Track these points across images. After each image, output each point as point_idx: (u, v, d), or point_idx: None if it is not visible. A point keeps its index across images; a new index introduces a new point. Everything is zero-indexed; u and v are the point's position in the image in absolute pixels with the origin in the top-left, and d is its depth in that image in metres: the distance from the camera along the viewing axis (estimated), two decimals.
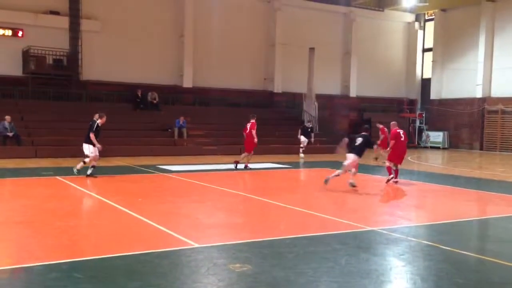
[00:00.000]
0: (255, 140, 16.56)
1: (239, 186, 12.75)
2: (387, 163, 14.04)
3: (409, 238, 7.53)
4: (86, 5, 24.53)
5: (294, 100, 29.72)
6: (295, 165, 19.43)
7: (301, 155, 21.67)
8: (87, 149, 13.46)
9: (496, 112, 29.75)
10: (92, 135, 13.28)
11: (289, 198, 11.19)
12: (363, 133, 12.46)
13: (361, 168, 18.50)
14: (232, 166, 16.94)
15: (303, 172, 16.67)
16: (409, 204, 11.38)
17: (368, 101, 32.68)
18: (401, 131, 14.09)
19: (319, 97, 30.17)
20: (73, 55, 24.12)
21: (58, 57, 23.82)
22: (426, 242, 7.39)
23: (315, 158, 21.50)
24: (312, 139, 22.78)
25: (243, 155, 17.01)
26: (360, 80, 32.47)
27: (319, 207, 10.18)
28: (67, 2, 24.15)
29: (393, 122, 15.39)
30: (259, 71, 29.69)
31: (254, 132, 16.59)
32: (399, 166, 14.12)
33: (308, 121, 23.86)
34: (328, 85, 31.67)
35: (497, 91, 30.18)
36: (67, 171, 14.40)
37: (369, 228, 8.04)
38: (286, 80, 29.78)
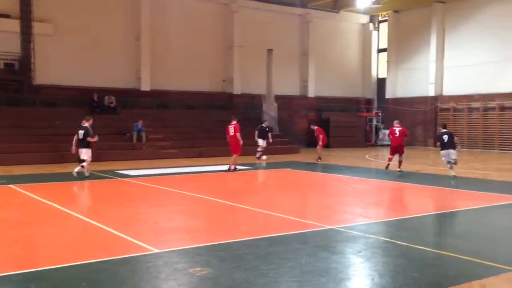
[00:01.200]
0: (241, 142, 16.81)
1: (200, 189, 12.66)
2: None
3: (367, 235, 7.67)
4: (38, 7, 23.84)
5: (253, 102, 29.79)
6: (256, 166, 19.47)
7: (263, 157, 21.35)
8: (85, 153, 14.36)
9: (448, 109, 30.72)
10: (90, 138, 14.35)
11: (249, 200, 11.22)
12: None
13: (322, 168, 18.80)
14: (195, 169, 16.84)
15: (263, 173, 16.74)
16: (367, 201, 11.58)
17: (326, 101, 33.15)
18: (396, 129, 16.80)
19: (278, 98, 30.37)
20: (25, 59, 23.38)
21: (9, 62, 23.03)
22: (383, 239, 7.54)
23: (276, 159, 21.63)
24: (270, 140, 22.08)
25: (233, 157, 17.08)
26: (318, 81, 32.89)
27: (279, 207, 10.23)
28: (18, 5, 23.41)
29: (396, 120, 17.86)
30: (218, 73, 29.63)
31: (238, 135, 16.76)
32: (402, 157, 16.79)
33: (264, 122, 23.36)
34: (287, 86, 31.93)
35: (448, 90, 31.18)
36: (20, 179, 13.92)
37: (328, 227, 8.14)
38: (245, 81, 29.83)
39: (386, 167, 17.07)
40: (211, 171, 17.36)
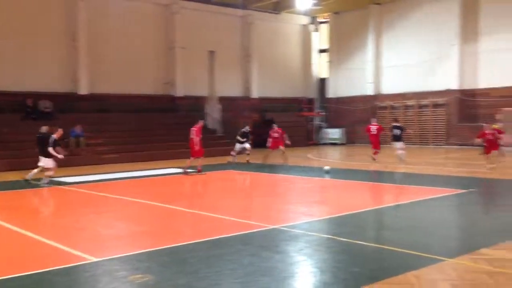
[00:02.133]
0: (197, 146, 16.65)
1: (141, 194, 12.43)
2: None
3: (309, 233, 7.80)
4: None
5: (197, 104, 29.60)
6: (203, 168, 19.27)
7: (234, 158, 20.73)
8: (46, 162, 14.13)
9: (385, 107, 31.78)
10: (51, 150, 13.91)
11: (193, 203, 11.14)
12: None
13: (266, 168, 18.93)
14: (134, 174, 16.51)
15: (207, 176, 16.64)
16: (310, 200, 11.78)
17: (269, 102, 33.43)
18: (373, 127, 19.61)
19: (221, 99, 30.37)
20: None
21: None
22: (325, 236, 7.70)
23: (221, 160, 21.57)
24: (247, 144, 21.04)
25: (199, 160, 16.92)
26: (261, 81, 33.13)
27: (223, 209, 10.22)
28: None
29: (373, 119, 20.85)
30: (160, 75, 29.19)
31: (197, 139, 16.64)
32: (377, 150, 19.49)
33: (245, 125, 22.26)
34: (230, 87, 31.96)
35: (386, 88, 32.26)
36: None
37: (271, 227, 8.21)
38: (188, 83, 29.57)
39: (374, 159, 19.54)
40: (154, 175, 17.10)
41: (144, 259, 6.44)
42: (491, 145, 16.13)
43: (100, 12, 26.70)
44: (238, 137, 21.10)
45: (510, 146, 19.41)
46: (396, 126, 19.15)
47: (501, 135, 16.78)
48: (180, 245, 7.11)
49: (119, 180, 15.83)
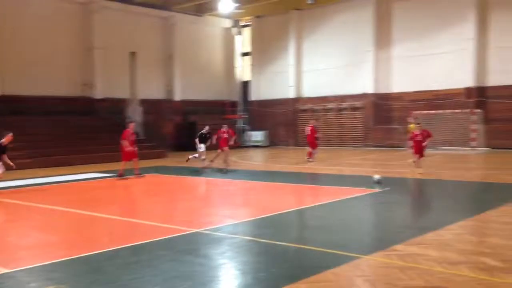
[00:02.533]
0: (128, 149, 15.99)
1: (57, 201, 11.86)
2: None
3: (231, 235, 7.81)
4: None
5: (117, 106, 28.79)
6: (118, 172, 18.71)
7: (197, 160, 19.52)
8: None
9: (306, 110, 32.64)
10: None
11: (111, 209, 10.79)
12: None
13: (190, 171, 18.73)
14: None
15: (128, 180, 16.19)
16: (233, 202, 11.81)
17: (193, 105, 33.19)
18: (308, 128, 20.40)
19: (143, 102, 29.78)
20: None
21: None
22: (247, 238, 7.74)
23: (142, 164, 21.01)
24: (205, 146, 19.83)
25: (124, 164, 16.25)
26: (184, 84, 32.81)
27: (144, 214, 9.99)
28: None
29: (312, 121, 21.68)
30: (78, 76, 28.06)
31: (125, 142, 15.93)
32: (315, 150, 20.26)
33: (205, 127, 21.07)
34: (152, 90, 31.39)
35: (307, 92, 33.15)
36: None
37: (193, 230, 8.13)
38: (108, 85, 28.67)
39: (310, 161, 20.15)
40: (70, 180, 16.39)
41: (58, 269, 6.13)
42: (418, 146, 15.87)
43: (13, 9, 25.25)
44: (197, 140, 19.53)
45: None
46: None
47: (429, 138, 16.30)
48: (97, 253, 6.85)
49: (32, 187, 14.99)
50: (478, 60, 26.04)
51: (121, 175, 16.23)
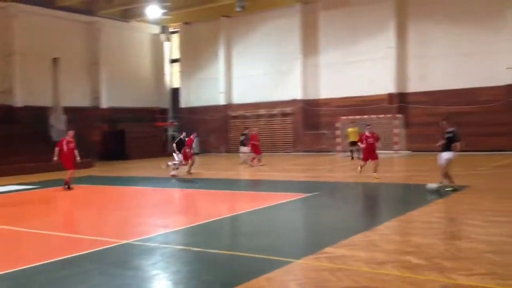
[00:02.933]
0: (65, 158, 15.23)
1: None
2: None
3: (163, 245, 7.68)
4: None
5: (39, 114, 27.50)
6: (44, 184, 17.90)
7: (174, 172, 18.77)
8: None
9: (238, 117, 32.81)
10: None
11: (36, 222, 10.27)
12: None
13: (120, 181, 18.22)
14: None
15: (54, 192, 15.49)
16: (165, 211, 11.63)
17: (121, 112, 32.34)
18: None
19: (68, 110, 28.64)
20: None
21: None
22: (179, 247, 7.65)
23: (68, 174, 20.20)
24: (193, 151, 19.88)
25: (70, 172, 15.37)
26: (112, 91, 31.92)
27: (72, 227, 9.62)
28: None
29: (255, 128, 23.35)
30: None
31: (65, 148, 15.25)
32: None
33: (183, 133, 19.93)
34: (77, 97, 30.30)
35: (238, 98, 33.34)
36: None
37: (124, 242, 7.92)
38: (28, 93, 27.33)
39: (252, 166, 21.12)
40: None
41: None
42: (369, 150, 15.15)
43: None
44: (175, 146, 18.81)
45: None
46: (243, 133, 20.39)
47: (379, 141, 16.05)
48: (23, 269, 6.48)
49: None
50: (398, 67, 27.38)
51: (66, 182, 15.45)
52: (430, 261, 6.21)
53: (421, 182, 14.20)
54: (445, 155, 11.87)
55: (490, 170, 16.96)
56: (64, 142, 15.46)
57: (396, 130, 25.62)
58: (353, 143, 23.40)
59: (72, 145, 15.55)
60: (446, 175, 12.00)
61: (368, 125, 15.29)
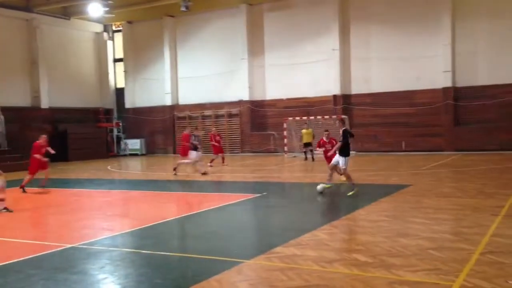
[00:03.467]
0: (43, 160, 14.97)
1: None
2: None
3: (110, 248, 7.48)
4: None
5: None
6: None
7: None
8: None
9: (184, 118, 32.48)
10: None
11: None
12: None
13: (60, 183, 17.59)
14: None
15: None
16: (111, 214, 11.33)
17: (63, 112, 31.22)
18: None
19: (5, 110, 27.34)
20: None
21: None
22: (127, 250, 7.47)
23: (6, 177, 19.28)
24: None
25: (27, 177, 15.02)
26: (52, 91, 30.74)
27: (10, 231, 9.16)
28: None
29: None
30: None
31: (37, 156, 14.89)
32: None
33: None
34: (16, 97, 28.98)
35: (184, 99, 33.00)
36: None
37: (67, 246, 7.65)
38: None
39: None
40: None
41: None
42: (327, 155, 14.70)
43: None
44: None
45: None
46: (195, 135, 19.25)
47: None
48: None
49: None
50: (342, 69, 27.98)
51: (22, 187, 15.06)
52: (377, 258, 6.37)
53: (367, 181, 14.60)
54: (338, 157, 12.25)
55: (429, 169, 17.65)
56: (37, 147, 15.02)
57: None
58: (307, 144, 23.87)
59: (44, 150, 15.23)
60: (346, 176, 12.35)
61: (326, 131, 15.09)
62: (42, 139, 15.43)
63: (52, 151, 15.67)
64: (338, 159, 12.32)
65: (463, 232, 7.74)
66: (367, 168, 18.93)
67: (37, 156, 15.07)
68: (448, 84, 25.41)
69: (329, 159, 14.08)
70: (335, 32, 27.88)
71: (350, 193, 11.89)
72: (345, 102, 27.91)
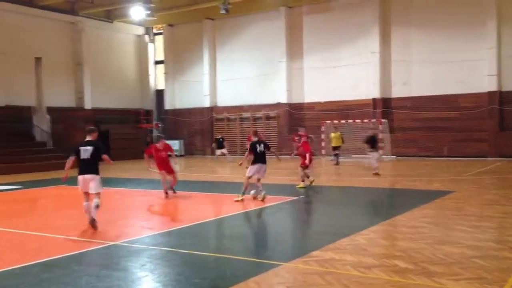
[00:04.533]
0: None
1: None
2: None
3: (150, 247, 7.62)
4: None
5: (21, 114, 27.10)
6: (28, 184, 17.64)
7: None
8: None
9: (222, 119, 32.74)
10: None
11: (18, 222, 10.10)
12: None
13: (103, 182, 18.01)
14: None
15: (36, 192, 15.27)
16: (151, 213, 11.54)
17: (105, 113, 32.02)
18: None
19: (51, 110, 28.29)
20: None
21: None
22: (166, 249, 7.58)
23: (51, 175, 19.99)
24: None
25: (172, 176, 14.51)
26: (95, 92, 31.58)
27: (56, 227, 9.46)
28: None
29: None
30: None
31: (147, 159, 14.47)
32: None
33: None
34: (61, 97, 29.90)
35: (222, 101, 33.27)
36: None
37: (110, 243, 7.84)
38: (9, 92, 26.88)
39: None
40: None
41: None
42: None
43: None
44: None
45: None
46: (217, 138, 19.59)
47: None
48: (4, 271, 6.38)
49: None
50: (382, 72, 27.60)
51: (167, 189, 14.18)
52: (418, 265, 6.25)
53: (407, 187, 14.35)
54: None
55: (473, 176, 17.18)
56: (154, 149, 14.21)
57: (381, 135, 25.81)
58: (336, 148, 23.81)
59: (163, 153, 14.19)
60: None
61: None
62: (160, 143, 14.34)
63: (174, 158, 14.98)
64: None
65: (509, 240, 7.51)
66: (407, 173, 18.59)
67: (146, 156, 14.39)
68: (494, 88, 24.68)
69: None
70: (375, 35, 27.52)
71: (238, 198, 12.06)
72: (384, 106, 27.50)
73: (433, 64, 26.23)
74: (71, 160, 9.34)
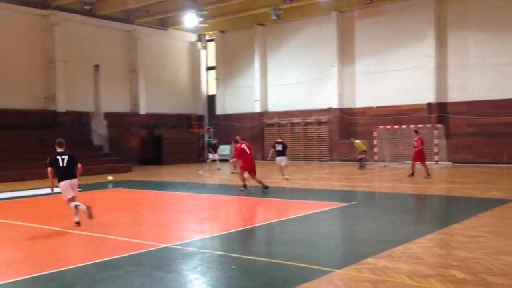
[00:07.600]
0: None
1: (19, 216, 11.45)
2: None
3: (202, 250, 7.71)
4: None
5: (80, 120, 28.23)
6: (90, 187, 18.24)
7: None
8: None
9: (273, 125, 32.81)
10: None
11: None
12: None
13: (157, 186, 18.47)
14: None
15: (94, 194, 15.80)
16: (202, 217, 11.69)
17: (158, 118, 32.89)
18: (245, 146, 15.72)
19: (108, 115, 29.31)
20: None
21: None
22: (218, 252, 7.66)
23: (105, 179, 20.62)
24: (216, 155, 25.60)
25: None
26: (149, 97, 32.48)
27: (112, 229, 9.76)
28: None
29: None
30: (39, 89, 27.36)
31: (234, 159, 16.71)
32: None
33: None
34: (117, 103, 30.94)
35: (273, 106, 33.34)
36: None
37: (163, 246, 7.99)
38: (70, 98, 28.08)
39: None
40: (30, 195, 15.85)
41: (23, 286, 5.90)
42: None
43: None
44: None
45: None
46: (278, 142, 19.96)
47: None
48: (64, 270, 6.63)
49: None
50: (437, 76, 26.82)
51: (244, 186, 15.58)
52: (477, 276, 6.00)
53: (464, 194, 13.85)
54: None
55: None
56: (245, 147, 15.27)
57: (436, 141, 25.07)
58: (362, 153, 24.43)
59: (247, 155, 15.33)
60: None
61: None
62: (245, 143, 15.42)
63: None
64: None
65: None
66: (464, 180, 17.95)
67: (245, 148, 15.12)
68: None
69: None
70: (431, 39, 26.81)
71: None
72: (440, 111, 26.70)
73: (491, 67, 25.24)
74: (51, 170, 10.18)
